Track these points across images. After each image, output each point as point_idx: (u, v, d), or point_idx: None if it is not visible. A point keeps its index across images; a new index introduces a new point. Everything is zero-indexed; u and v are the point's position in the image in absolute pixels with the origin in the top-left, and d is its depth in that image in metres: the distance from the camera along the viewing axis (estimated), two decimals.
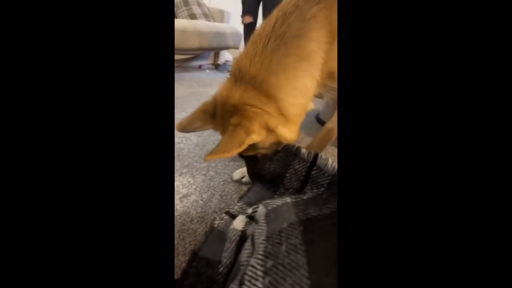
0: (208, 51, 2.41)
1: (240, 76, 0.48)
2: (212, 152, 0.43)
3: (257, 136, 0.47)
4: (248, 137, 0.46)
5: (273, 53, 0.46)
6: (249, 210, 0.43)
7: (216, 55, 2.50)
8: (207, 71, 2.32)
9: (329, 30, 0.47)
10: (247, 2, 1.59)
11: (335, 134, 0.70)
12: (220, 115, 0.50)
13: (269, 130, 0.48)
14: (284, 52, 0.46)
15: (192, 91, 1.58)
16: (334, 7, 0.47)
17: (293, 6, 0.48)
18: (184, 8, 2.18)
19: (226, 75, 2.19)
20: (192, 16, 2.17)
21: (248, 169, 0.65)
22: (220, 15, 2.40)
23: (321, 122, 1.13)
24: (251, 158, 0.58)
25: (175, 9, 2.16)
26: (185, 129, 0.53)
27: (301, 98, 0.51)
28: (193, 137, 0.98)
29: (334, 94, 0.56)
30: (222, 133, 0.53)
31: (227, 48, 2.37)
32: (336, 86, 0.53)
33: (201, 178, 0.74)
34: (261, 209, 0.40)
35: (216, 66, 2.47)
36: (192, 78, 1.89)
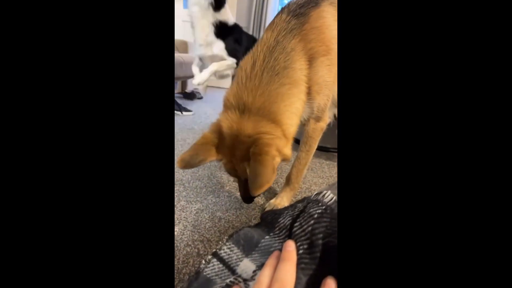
0: (175, 81, 2.41)
1: (246, 109, 0.53)
2: (255, 187, 0.47)
3: (278, 159, 0.53)
4: (274, 162, 0.51)
5: (270, 85, 0.54)
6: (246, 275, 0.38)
7: (184, 84, 2.51)
8: (176, 100, 2.30)
9: (306, 58, 0.57)
10: None
11: (308, 160, 0.74)
12: (229, 145, 0.53)
13: (279, 151, 0.53)
14: (278, 83, 0.54)
15: None
16: (307, 38, 0.57)
17: (274, 41, 0.56)
18: None
19: (196, 102, 2.18)
20: None
21: (242, 191, 0.64)
22: (183, 46, 2.46)
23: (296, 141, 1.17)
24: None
25: None
26: (188, 164, 0.52)
27: (296, 119, 0.58)
28: None
29: (308, 111, 0.64)
30: (231, 163, 0.56)
31: (192, 76, 2.41)
32: (310, 100, 0.61)
33: None
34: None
35: (185, 95, 2.47)
36: None
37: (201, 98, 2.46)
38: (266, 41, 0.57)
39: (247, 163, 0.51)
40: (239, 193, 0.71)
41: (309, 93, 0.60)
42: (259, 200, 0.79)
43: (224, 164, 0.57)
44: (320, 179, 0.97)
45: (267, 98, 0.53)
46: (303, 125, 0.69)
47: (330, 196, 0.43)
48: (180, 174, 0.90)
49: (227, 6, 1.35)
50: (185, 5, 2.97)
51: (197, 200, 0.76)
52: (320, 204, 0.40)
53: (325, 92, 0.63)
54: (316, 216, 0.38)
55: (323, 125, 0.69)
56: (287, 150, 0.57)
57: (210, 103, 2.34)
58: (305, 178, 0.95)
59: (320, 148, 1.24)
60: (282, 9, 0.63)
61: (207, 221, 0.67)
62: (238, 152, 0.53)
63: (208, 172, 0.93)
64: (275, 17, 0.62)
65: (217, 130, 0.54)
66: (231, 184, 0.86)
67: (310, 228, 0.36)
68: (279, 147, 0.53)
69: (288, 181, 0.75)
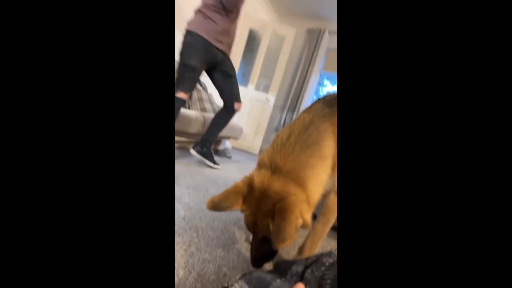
0: None
1: (278, 170, 0.61)
2: (278, 241, 0.50)
3: (300, 221, 0.56)
4: (298, 222, 0.54)
5: (301, 155, 0.62)
6: None
7: (217, 142, 2.77)
8: None
9: (334, 139, 0.67)
10: (190, 82, 1.54)
11: (324, 233, 0.74)
12: (257, 199, 0.59)
13: (301, 215, 0.56)
14: (309, 154, 0.63)
15: (189, 169, 1.66)
16: (336, 124, 0.67)
17: (309, 121, 0.68)
18: (197, 103, 2.60)
19: (224, 159, 2.34)
20: (203, 110, 2.56)
21: (255, 250, 0.64)
22: None
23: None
24: (265, 239, 0.59)
25: (189, 102, 2.58)
26: (216, 207, 0.59)
27: (320, 188, 0.64)
28: (180, 210, 0.98)
29: (331, 184, 0.70)
30: (254, 216, 0.60)
31: (228, 138, 2.67)
32: (334, 175, 0.67)
33: (180, 253, 0.70)
34: None
35: (216, 151, 2.68)
36: (191, 158, 2.02)
37: (230, 157, 2.63)
38: (303, 120, 0.69)
39: (271, 219, 0.54)
40: (249, 254, 0.71)
41: (334, 168, 0.67)
42: (267, 266, 0.76)
43: (247, 216, 0.61)
44: None
45: (297, 164, 0.61)
46: (323, 198, 0.72)
47: None
48: (196, 220, 0.92)
49: None
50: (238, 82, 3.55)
51: (206, 250, 0.76)
52: (332, 256, 0.43)
53: None
54: (327, 264, 0.40)
55: None
56: (308, 217, 0.60)
57: (237, 163, 2.48)
58: None
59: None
60: (319, 99, 0.78)
61: (212, 273, 0.65)
62: (264, 206, 0.57)
63: (222, 225, 0.95)
64: (312, 104, 0.76)
65: (249, 182, 0.61)
66: (242, 243, 0.85)
67: (320, 274, 0.38)
68: (302, 211, 0.57)
69: (300, 251, 0.73)
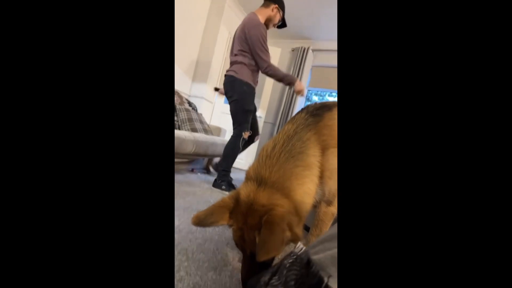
0: (203, 157, 2.65)
1: (263, 182, 0.59)
2: (262, 252, 0.46)
3: (288, 233, 0.54)
4: (284, 235, 0.52)
5: (286, 164, 0.61)
6: None
7: (209, 161, 2.73)
8: (199, 174, 2.46)
9: (319, 148, 0.66)
10: (249, 122, 1.88)
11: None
12: (243, 212, 0.57)
13: (290, 227, 0.55)
14: (293, 164, 0.62)
15: (180, 190, 1.61)
16: (320, 132, 0.68)
17: (293, 131, 0.69)
18: (187, 123, 2.60)
19: (215, 177, 2.30)
20: (193, 130, 2.56)
21: (244, 269, 0.61)
22: (217, 131, 2.83)
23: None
24: (253, 255, 0.56)
25: (180, 123, 2.58)
26: (201, 222, 0.56)
27: (308, 199, 0.63)
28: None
29: (320, 194, 0.69)
30: (241, 230, 0.57)
31: (220, 156, 2.65)
32: (322, 184, 0.66)
33: None
34: None
35: (208, 171, 2.64)
36: (182, 179, 1.97)
37: None
38: (287, 130, 0.69)
39: (257, 232, 0.52)
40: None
41: (322, 177, 0.66)
42: None
43: (234, 231, 0.58)
44: None
45: (282, 175, 0.60)
46: (315, 208, 0.70)
47: (301, 247, 0.44)
48: (186, 243, 0.88)
49: None
50: (226, 101, 3.60)
51: (197, 274, 0.71)
52: (292, 255, 0.42)
53: (335, 178, 0.68)
54: (287, 265, 0.39)
55: (334, 210, 0.70)
56: (299, 230, 0.58)
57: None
58: None
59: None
60: (302, 109, 0.79)
61: None
62: (251, 220, 0.55)
63: (214, 246, 0.90)
64: (296, 114, 0.77)
65: (235, 196, 0.59)
66: (236, 264, 0.81)
67: (284, 278, 0.37)
68: (291, 223, 0.55)
69: None
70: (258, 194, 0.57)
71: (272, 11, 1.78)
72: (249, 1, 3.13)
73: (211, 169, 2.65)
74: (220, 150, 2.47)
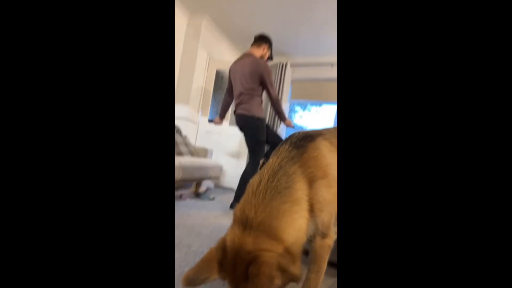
0: (191, 182, 2.59)
1: (248, 224, 0.56)
2: None
3: (278, 280, 0.51)
4: (272, 284, 0.49)
5: (272, 202, 0.59)
6: None
7: (198, 184, 2.67)
8: (188, 199, 2.38)
9: (306, 180, 0.65)
10: (263, 151, 2.09)
11: (319, 281, 0.70)
12: (231, 262, 0.53)
13: (283, 270, 0.52)
14: (280, 200, 0.59)
15: None
16: (306, 164, 0.67)
17: (278, 165, 0.67)
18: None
19: (206, 202, 2.24)
20: (179, 153, 2.50)
21: None
22: (203, 152, 2.79)
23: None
24: None
25: None
26: (192, 282, 0.52)
27: (299, 236, 0.60)
28: None
29: (313, 228, 0.67)
30: (233, 281, 0.53)
31: (208, 178, 2.59)
32: (314, 218, 0.65)
33: None
34: None
35: (197, 195, 2.57)
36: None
37: (212, 199, 2.53)
38: (272, 165, 0.69)
39: (247, 284, 0.50)
40: None
41: (312, 210, 0.65)
42: None
43: (230, 283, 0.55)
44: None
45: (268, 214, 0.58)
46: (309, 243, 0.69)
47: None
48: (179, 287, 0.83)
49: None
50: (210, 117, 3.59)
51: None
52: None
53: (327, 209, 0.67)
54: None
55: (329, 242, 0.69)
56: (295, 268, 0.56)
57: (221, 204, 2.38)
58: None
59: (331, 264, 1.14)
60: (286, 140, 0.79)
61: None
62: (239, 270, 0.52)
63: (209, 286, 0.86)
64: (279, 146, 0.77)
65: (222, 245, 0.56)
66: None
67: None
68: (283, 265, 0.53)
69: None
70: (244, 240, 0.54)
71: (263, 50, 2.11)
72: (226, 21, 3.20)
73: (201, 192, 2.59)
74: (208, 173, 2.42)
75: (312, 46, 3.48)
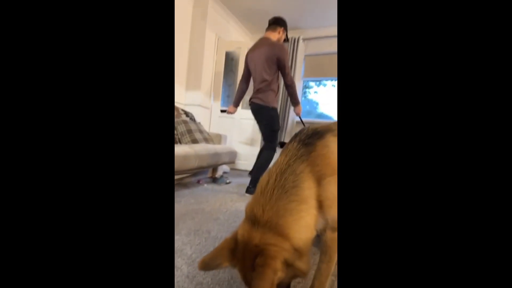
0: (207, 169, 2.68)
1: (256, 221, 0.60)
2: None
3: (281, 273, 0.55)
4: (276, 276, 0.53)
5: (279, 201, 0.61)
6: None
7: (214, 170, 2.76)
8: (205, 185, 2.49)
9: (314, 179, 0.65)
10: (277, 138, 2.22)
11: (330, 271, 0.73)
12: (241, 253, 0.58)
13: (288, 265, 0.56)
14: (287, 200, 0.61)
15: (189, 209, 1.64)
16: (314, 163, 0.67)
17: (286, 164, 0.67)
18: (187, 135, 2.61)
19: (223, 186, 2.33)
20: (194, 141, 2.56)
21: None
22: (218, 138, 2.84)
23: None
24: None
25: (179, 136, 2.59)
26: (207, 266, 0.58)
27: (308, 233, 0.63)
28: (184, 266, 0.96)
29: (323, 223, 0.68)
30: (242, 270, 0.59)
31: (223, 164, 2.66)
32: (324, 214, 0.66)
33: None
34: None
35: (214, 180, 2.67)
36: (190, 195, 2.01)
37: (229, 183, 2.62)
38: (280, 163, 0.69)
39: (254, 274, 0.53)
40: None
41: (322, 207, 0.66)
42: None
43: (238, 271, 0.60)
44: None
45: (275, 213, 0.60)
46: (320, 236, 0.71)
47: None
48: (201, 276, 0.91)
49: None
50: (223, 104, 3.58)
51: None
52: None
53: (336, 205, 0.68)
54: None
55: None
56: (302, 263, 0.58)
57: (237, 188, 2.46)
58: None
59: None
60: (294, 137, 0.78)
61: None
62: (247, 261, 0.57)
63: (228, 275, 0.93)
64: (288, 144, 0.76)
65: (235, 237, 0.61)
66: None
67: None
68: (289, 260, 0.56)
69: None
70: (252, 234, 0.58)
71: (279, 33, 2.13)
72: (233, 1, 3.04)
73: (217, 176, 2.68)
74: (224, 158, 2.49)
75: (323, 18, 3.24)
